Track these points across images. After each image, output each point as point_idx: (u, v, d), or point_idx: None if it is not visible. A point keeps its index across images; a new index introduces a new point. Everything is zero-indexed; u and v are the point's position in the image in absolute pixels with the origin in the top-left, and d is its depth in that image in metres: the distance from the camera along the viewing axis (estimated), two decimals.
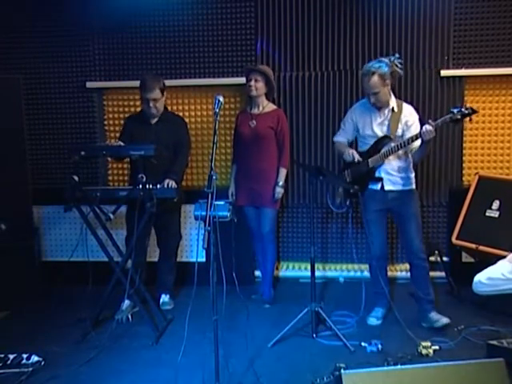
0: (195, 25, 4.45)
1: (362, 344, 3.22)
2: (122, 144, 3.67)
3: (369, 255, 3.69)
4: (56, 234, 4.70)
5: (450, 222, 4.31)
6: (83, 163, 4.20)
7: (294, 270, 4.64)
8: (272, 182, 3.90)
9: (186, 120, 4.13)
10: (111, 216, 3.51)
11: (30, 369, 3.01)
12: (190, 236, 4.57)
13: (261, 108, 3.93)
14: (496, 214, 3.92)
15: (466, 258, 4.27)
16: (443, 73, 4.25)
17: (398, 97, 3.65)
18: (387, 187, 3.48)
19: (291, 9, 4.36)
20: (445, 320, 3.43)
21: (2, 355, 3.11)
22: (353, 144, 3.73)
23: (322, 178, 3.43)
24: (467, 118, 3.12)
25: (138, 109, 4.48)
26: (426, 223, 4.42)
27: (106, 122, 4.69)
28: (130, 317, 3.76)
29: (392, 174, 3.47)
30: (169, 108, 4.06)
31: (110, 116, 4.68)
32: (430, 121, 3.15)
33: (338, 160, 4.36)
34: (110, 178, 4.76)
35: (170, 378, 2.90)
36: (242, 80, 4.02)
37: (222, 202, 3.49)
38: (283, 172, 3.91)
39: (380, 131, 3.46)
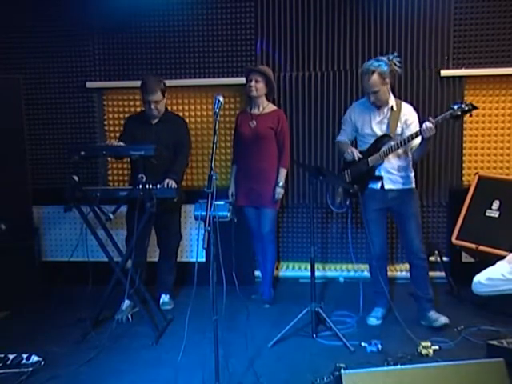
0: (195, 25, 4.45)
1: (362, 344, 3.22)
2: (122, 144, 3.66)
3: (369, 255, 3.69)
4: (56, 233, 4.71)
5: (450, 222, 4.31)
6: (83, 163, 4.20)
7: (293, 270, 4.64)
8: (272, 183, 3.90)
9: (186, 120, 4.13)
10: (111, 216, 3.51)
11: (30, 369, 3.01)
12: (189, 236, 4.57)
13: (261, 108, 3.93)
14: (496, 214, 3.92)
15: (465, 258, 4.27)
16: (443, 73, 4.26)
17: (398, 97, 3.66)
18: (387, 186, 3.48)
19: (291, 9, 4.36)
20: (443, 320, 3.43)
21: (2, 355, 3.11)
22: (353, 144, 3.73)
23: (322, 178, 3.43)
24: (467, 114, 3.12)
25: (138, 109, 4.49)
26: (426, 223, 4.42)
27: (105, 122, 4.69)
28: (129, 317, 3.76)
29: (392, 173, 3.47)
30: (169, 108, 4.06)
31: (110, 116, 4.68)
32: (430, 118, 3.15)
33: (338, 160, 4.37)
34: (110, 178, 4.76)
35: (170, 378, 2.90)
36: (242, 80, 4.02)
37: (221, 202, 3.50)
38: (283, 172, 3.92)
39: (379, 130, 3.46)
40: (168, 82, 3.88)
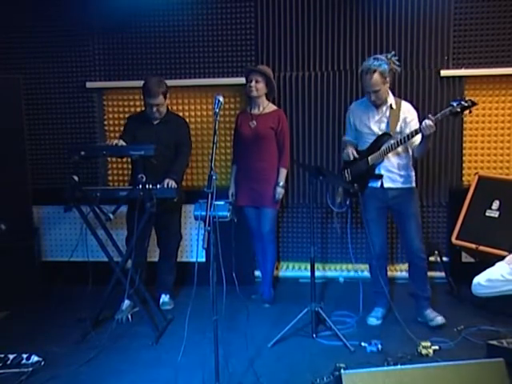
0: (195, 25, 4.45)
1: (362, 344, 3.22)
2: (123, 143, 3.66)
3: (369, 255, 3.69)
4: (56, 233, 4.70)
5: (450, 222, 4.31)
6: (83, 163, 4.19)
7: (293, 270, 4.64)
8: (272, 182, 3.90)
9: (186, 120, 4.13)
10: (111, 216, 3.51)
11: (30, 369, 3.01)
12: (190, 236, 4.57)
13: (261, 108, 3.93)
14: (496, 214, 3.92)
15: (465, 258, 4.27)
16: (443, 73, 4.26)
17: (397, 96, 3.65)
18: (386, 185, 3.48)
19: (291, 9, 4.36)
20: (440, 320, 3.44)
21: (2, 355, 3.11)
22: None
23: (322, 178, 3.43)
24: (467, 111, 3.13)
25: (138, 109, 4.49)
26: (426, 223, 4.42)
27: (105, 122, 4.69)
28: (129, 317, 3.76)
29: (392, 172, 3.47)
30: (169, 108, 4.05)
31: (110, 116, 4.68)
32: (429, 115, 3.15)
33: (338, 160, 4.37)
34: (110, 178, 4.76)
35: (170, 378, 2.91)
36: (242, 80, 4.02)
37: (221, 202, 3.51)
38: (283, 172, 3.92)
39: (377, 128, 3.47)
40: (168, 82, 3.88)
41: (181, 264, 4.24)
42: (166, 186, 3.62)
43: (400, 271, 4.48)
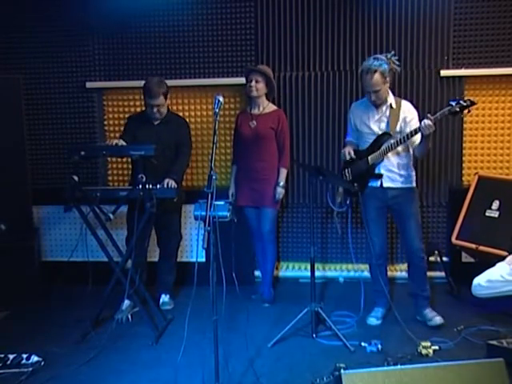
0: (195, 25, 4.45)
1: (362, 344, 3.22)
2: (123, 143, 3.67)
3: (369, 255, 3.69)
4: (56, 233, 4.70)
5: (450, 222, 4.31)
6: (83, 163, 4.19)
7: (293, 270, 4.64)
8: (272, 182, 3.90)
9: (186, 120, 4.13)
10: (111, 216, 3.51)
11: (30, 369, 3.01)
12: (190, 236, 4.57)
13: (261, 108, 3.93)
14: (496, 214, 3.92)
15: (465, 258, 4.27)
16: (443, 73, 4.25)
17: (397, 96, 3.65)
18: (386, 184, 3.48)
19: (291, 9, 4.36)
20: (438, 320, 3.44)
21: (2, 355, 3.11)
22: None
23: (322, 178, 3.44)
24: (467, 111, 3.13)
25: (138, 109, 4.49)
26: (426, 223, 4.42)
27: (105, 122, 4.69)
28: (129, 317, 3.76)
29: (392, 171, 3.47)
30: (169, 108, 4.05)
31: (110, 116, 4.68)
32: (428, 115, 3.15)
33: (338, 160, 4.37)
34: (110, 178, 4.76)
35: (170, 378, 2.91)
36: (242, 80, 4.02)
37: (221, 202, 3.51)
38: (284, 172, 3.92)
39: (377, 128, 3.47)
40: (168, 82, 3.88)
41: (181, 264, 4.24)
42: (165, 185, 3.62)
43: (400, 271, 4.48)
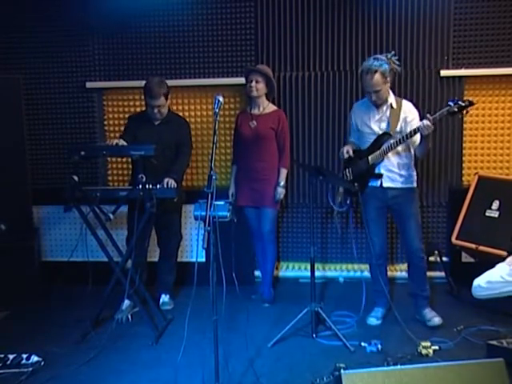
0: (195, 25, 4.45)
1: (362, 344, 3.22)
2: (124, 143, 3.67)
3: (369, 255, 3.69)
4: (56, 233, 4.70)
5: (450, 222, 4.31)
6: (83, 163, 4.19)
7: (293, 270, 4.64)
8: (272, 183, 3.90)
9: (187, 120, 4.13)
10: (111, 216, 3.51)
11: (30, 369, 3.01)
12: (190, 236, 4.57)
13: (261, 109, 3.93)
14: (496, 214, 3.92)
15: (465, 258, 4.27)
16: (443, 73, 4.26)
17: (397, 96, 3.65)
18: (385, 184, 3.48)
19: (291, 9, 4.36)
20: (437, 321, 3.45)
21: (2, 355, 3.11)
22: None
23: (322, 178, 3.44)
24: (465, 111, 3.13)
25: (138, 109, 4.49)
26: (426, 223, 4.42)
27: (105, 122, 4.69)
28: (129, 317, 3.76)
29: (392, 171, 3.47)
30: (170, 108, 4.05)
31: (110, 116, 4.68)
32: (428, 115, 3.15)
33: (338, 160, 4.37)
34: (110, 178, 4.76)
35: (170, 378, 2.91)
36: (242, 80, 4.02)
37: (221, 202, 3.51)
38: (284, 172, 3.92)
39: (378, 128, 3.47)
40: (168, 82, 3.88)
41: (181, 264, 4.24)
42: (165, 185, 3.61)
43: (400, 271, 4.48)
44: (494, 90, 4.33)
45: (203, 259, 4.20)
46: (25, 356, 3.10)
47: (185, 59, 4.51)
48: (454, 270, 4.27)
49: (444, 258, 4.30)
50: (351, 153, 3.57)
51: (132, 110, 4.58)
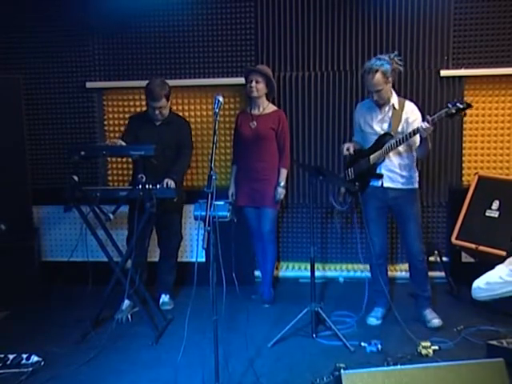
0: (195, 25, 4.45)
1: (362, 344, 3.22)
2: (123, 143, 3.67)
3: (369, 255, 3.69)
4: (56, 233, 4.70)
5: (450, 222, 4.31)
6: (83, 163, 4.19)
7: (293, 270, 4.64)
8: (273, 183, 3.90)
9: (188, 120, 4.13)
10: (111, 216, 3.51)
11: (30, 369, 3.01)
12: (190, 236, 4.57)
13: (261, 109, 3.93)
14: (496, 214, 3.92)
15: (465, 258, 4.27)
16: (443, 73, 4.25)
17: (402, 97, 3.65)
18: (386, 184, 3.48)
19: (291, 9, 4.36)
20: (436, 322, 3.45)
21: (2, 355, 3.11)
22: None
23: (322, 178, 3.44)
24: (463, 113, 3.13)
25: (138, 109, 4.49)
26: (426, 223, 4.41)
27: (105, 122, 4.69)
28: (129, 317, 3.76)
29: (393, 171, 3.46)
30: (171, 109, 4.05)
31: (110, 116, 4.68)
32: (427, 117, 3.16)
33: (338, 160, 4.37)
34: (110, 178, 4.76)
35: (170, 378, 2.91)
36: (242, 80, 4.02)
37: (221, 202, 3.50)
38: (284, 173, 3.92)
39: (380, 128, 3.47)
40: (168, 82, 3.88)
41: (181, 264, 4.23)
42: (165, 185, 3.61)
43: (400, 271, 4.48)
44: (493, 90, 4.33)
45: (203, 259, 4.19)
46: (25, 356, 3.11)
47: (185, 59, 4.51)
48: (453, 269, 4.27)
49: (444, 258, 4.30)
50: (351, 150, 3.57)
51: (132, 110, 4.58)
